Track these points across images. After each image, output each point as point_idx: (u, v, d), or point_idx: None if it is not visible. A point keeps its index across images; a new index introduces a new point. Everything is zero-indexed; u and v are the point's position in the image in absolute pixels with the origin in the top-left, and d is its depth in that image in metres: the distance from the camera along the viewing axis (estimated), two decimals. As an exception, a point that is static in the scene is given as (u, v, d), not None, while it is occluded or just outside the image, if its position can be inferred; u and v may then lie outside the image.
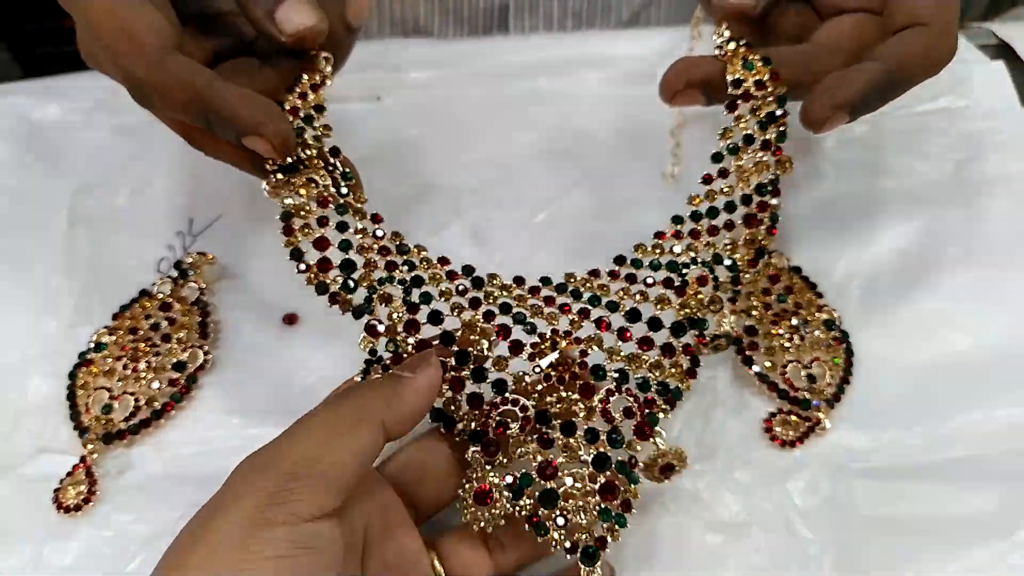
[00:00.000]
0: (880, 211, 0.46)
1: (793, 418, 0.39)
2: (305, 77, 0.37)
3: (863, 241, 0.45)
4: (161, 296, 0.43)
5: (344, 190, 0.36)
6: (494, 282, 0.35)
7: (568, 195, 0.48)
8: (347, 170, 0.37)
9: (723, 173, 0.38)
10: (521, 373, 0.33)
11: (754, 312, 0.42)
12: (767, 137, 0.37)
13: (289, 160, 0.34)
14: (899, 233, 0.45)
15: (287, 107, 0.36)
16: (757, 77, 0.37)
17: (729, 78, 0.37)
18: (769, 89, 0.37)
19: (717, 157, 0.38)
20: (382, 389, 0.29)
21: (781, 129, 0.37)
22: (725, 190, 0.37)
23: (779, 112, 0.37)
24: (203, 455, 0.39)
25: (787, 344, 0.41)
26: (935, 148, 0.48)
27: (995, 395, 0.39)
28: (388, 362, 0.33)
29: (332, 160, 0.36)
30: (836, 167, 0.48)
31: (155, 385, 0.40)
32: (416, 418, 0.29)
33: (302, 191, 0.34)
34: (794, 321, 0.42)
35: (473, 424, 0.31)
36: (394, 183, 0.48)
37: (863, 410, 0.40)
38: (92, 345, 0.41)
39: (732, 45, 0.38)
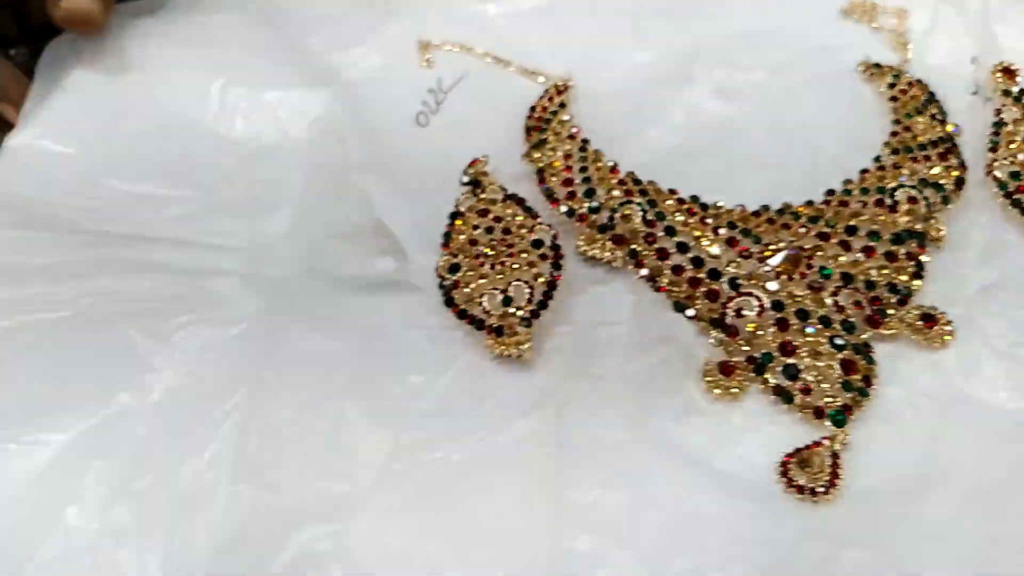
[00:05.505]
0: None
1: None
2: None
3: None
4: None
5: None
6: (719, 206, 0.38)
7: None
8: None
9: (907, 129, 0.40)
10: (754, 272, 0.35)
11: (1021, 155, 0.35)
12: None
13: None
14: None
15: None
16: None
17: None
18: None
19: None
20: None
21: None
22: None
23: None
24: None
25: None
26: None
27: None
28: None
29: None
30: None
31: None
32: None
33: (550, 153, 0.41)
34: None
35: (711, 313, 0.34)
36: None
37: None
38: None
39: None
